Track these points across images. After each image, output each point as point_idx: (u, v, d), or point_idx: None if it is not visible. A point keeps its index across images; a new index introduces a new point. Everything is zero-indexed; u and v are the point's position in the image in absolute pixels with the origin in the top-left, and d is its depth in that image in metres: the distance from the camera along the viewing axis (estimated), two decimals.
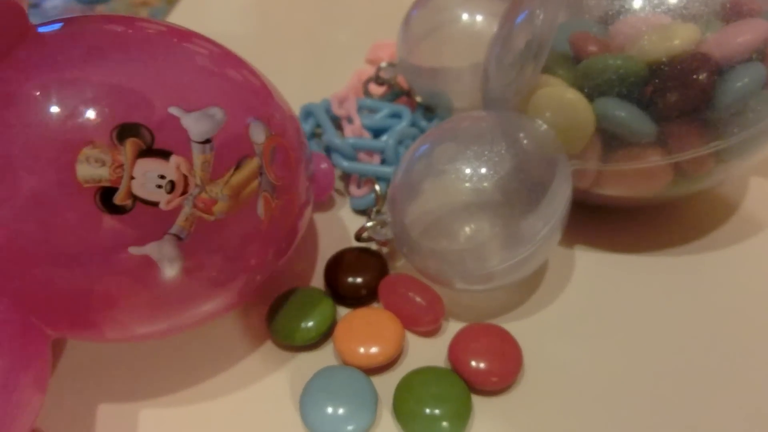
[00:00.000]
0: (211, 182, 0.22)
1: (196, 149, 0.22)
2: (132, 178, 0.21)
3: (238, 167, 0.23)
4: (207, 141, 0.22)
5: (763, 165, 0.34)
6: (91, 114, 0.20)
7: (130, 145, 0.21)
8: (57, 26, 0.23)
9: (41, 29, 0.22)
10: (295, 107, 0.30)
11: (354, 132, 0.36)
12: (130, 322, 0.23)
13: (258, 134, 0.24)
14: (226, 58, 0.25)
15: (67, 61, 0.21)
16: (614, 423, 0.25)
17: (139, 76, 0.22)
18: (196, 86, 0.23)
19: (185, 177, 0.21)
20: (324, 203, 0.36)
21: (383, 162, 0.35)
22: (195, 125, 0.22)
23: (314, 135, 0.38)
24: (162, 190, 0.21)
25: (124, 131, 0.21)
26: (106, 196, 0.20)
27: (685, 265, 0.30)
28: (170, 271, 0.22)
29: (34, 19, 0.22)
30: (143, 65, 0.22)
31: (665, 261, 0.31)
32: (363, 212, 0.35)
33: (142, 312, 0.23)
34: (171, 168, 0.21)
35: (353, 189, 0.35)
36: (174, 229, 0.22)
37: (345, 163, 0.34)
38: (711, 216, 0.32)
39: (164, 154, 0.21)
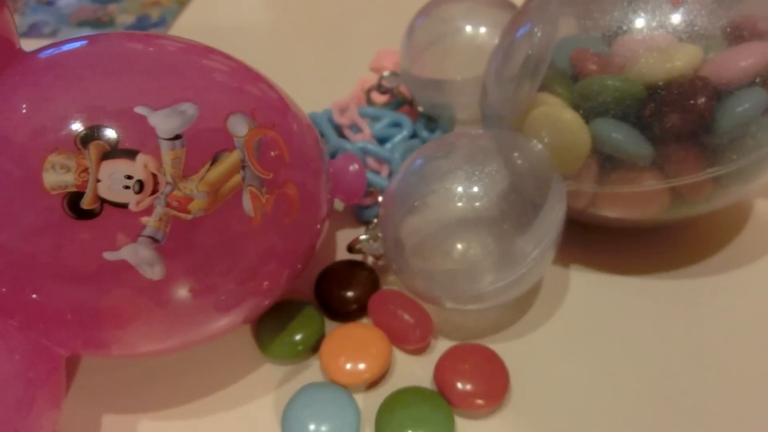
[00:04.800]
0: (184, 179, 0.22)
1: (164, 146, 0.21)
2: (98, 181, 0.21)
3: (214, 162, 0.22)
4: (177, 137, 0.22)
5: (767, 187, 0.33)
6: (56, 123, 0.21)
7: (94, 148, 0.21)
8: (45, 51, 0.23)
9: (33, 53, 0.23)
10: None
11: (365, 139, 0.35)
12: (133, 337, 0.23)
13: (238, 127, 0.23)
14: (206, 54, 0.25)
15: (41, 80, 0.22)
16: None
17: (107, 81, 0.22)
18: (165, 84, 0.23)
19: (154, 176, 0.21)
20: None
21: (391, 175, 0.34)
22: (163, 122, 0.21)
23: None
24: (130, 191, 0.21)
25: (88, 135, 0.21)
26: (73, 201, 0.21)
27: (683, 289, 0.30)
28: (152, 274, 0.21)
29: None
30: (111, 70, 0.23)
31: (663, 284, 0.30)
32: (366, 223, 0.34)
33: (144, 326, 0.23)
34: (138, 167, 0.21)
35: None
36: (148, 231, 0.21)
37: None
38: (713, 239, 0.32)
39: (130, 154, 0.21)
